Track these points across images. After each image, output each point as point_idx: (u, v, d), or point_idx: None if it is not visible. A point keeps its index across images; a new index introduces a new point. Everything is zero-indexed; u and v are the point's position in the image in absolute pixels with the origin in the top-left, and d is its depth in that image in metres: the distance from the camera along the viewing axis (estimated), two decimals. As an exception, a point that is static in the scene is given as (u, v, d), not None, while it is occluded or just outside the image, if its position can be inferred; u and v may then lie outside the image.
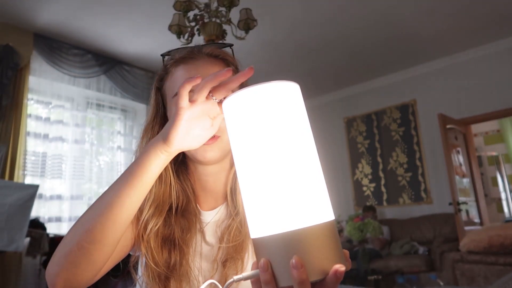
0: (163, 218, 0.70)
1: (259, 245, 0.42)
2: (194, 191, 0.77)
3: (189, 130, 0.55)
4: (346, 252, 0.44)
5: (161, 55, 0.77)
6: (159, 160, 0.56)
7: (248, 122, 0.43)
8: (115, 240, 0.58)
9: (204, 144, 0.65)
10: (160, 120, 0.75)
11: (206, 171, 0.74)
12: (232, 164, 0.75)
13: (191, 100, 0.52)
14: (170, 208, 0.72)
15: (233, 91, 0.48)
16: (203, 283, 0.70)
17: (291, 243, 0.39)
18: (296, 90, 0.46)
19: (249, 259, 0.71)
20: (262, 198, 0.42)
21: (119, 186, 0.56)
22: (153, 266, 0.67)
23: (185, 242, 0.71)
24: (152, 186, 0.70)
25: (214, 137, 0.67)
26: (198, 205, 0.76)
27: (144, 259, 0.69)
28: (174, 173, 0.74)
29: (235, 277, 0.43)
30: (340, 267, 0.39)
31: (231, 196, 0.73)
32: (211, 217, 0.75)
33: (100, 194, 0.59)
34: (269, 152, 0.42)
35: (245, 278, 0.43)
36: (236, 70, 0.75)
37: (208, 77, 0.51)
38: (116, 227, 0.56)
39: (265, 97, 0.43)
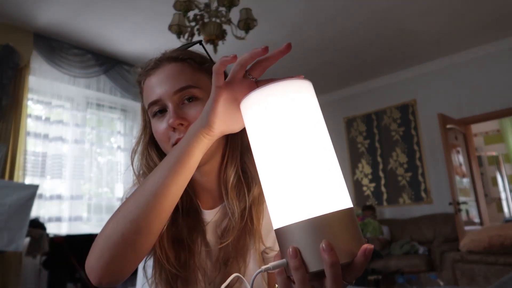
0: (170, 218, 0.69)
1: (285, 233, 0.43)
2: (195, 191, 0.77)
3: (229, 112, 0.54)
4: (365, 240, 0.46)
5: (136, 78, 0.77)
6: (202, 144, 0.56)
7: (267, 119, 0.46)
8: (159, 229, 0.57)
9: None
10: (149, 132, 0.76)
11: (199, 171, 0.74)
12: (222, 163, 0.74)
13: (228, 80, 0.52)
14: (177, 209, 0.71)
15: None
16: (205, 282, 0.70)
17: (319, 228, 0.41)
18: (309, 86, 0.49)
19: (251, 258, 0.71)
20: (286, 188, 0.43)
21: (163, 173, 0.55)
22: (167, 265, 0.67)
23: (192, 241, 0.71)
24: None
25: None
26: (199, 204, 0.76)
27: (154, 259, 0.69)
28: None
29: (263, 267, 0.43)
30: (369, 246, 0.41)
31: (226, 196, 0.72)
32: (211, 217, 0.75)
33: (141, 185, 0.57)
34: (295, 144, 0.44)
35: (273, 268, 0.44)
36: (202, 66, 0.73)
37: (243, 55, 0.50)
38: (162, 215, 0.56)
39: (281, 95, 0.46)
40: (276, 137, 0.45)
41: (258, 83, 0.54)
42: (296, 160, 0.44)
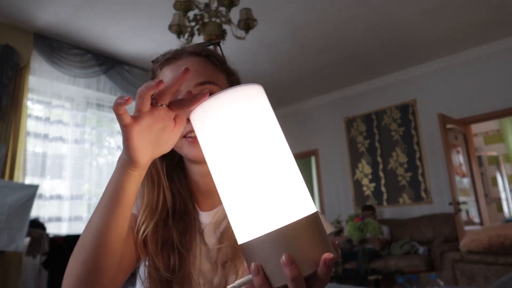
0: (159, 221, 0.69)
1: (247, 249, 0.42)
2: (192, 192, 0.76)
3: (150, 140, 0.52)
4: (334, 241, 0.44)
5: (152, 61, 0.77)
6: (133, 177, 0.55)
7: (218, 130, 0.43)
8: (114, 264, 0.57)
9: (192, 142, 0.66)
10: None
11: (198, 171, 0.74)
12: None
13: (134, 114, 0.50)
14: (168, 211, 0.71)
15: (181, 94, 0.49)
16: (203, 285, 0.70)
17: (278, 242, 0.39)
18: (260, 91, 0.46)
19: None
20: (242, 202, 0.42)
21: (101, 213, 0.55)
22: (153, 270, 0.67)
23: (184, 245, 0.70)
24: (144, 191, 0.71)
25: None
26: (197, 206, 0.76)
27: (144, 264, 0.69)
28: (166, 176, 0.73)
29: (228, 287, 0.42)
30: (328, 255, 0.39)
31: None
32: (210, 218, 0.74)
33: (91, 215, 0.58)
34: (243, 155, 0.42)
35: (239, 286, 0.42)
36: (222, 66, 0.75)
37: (140, 89, 0.48)
38: (110, 252, 0.56)
39: (231, 103, 0.43)
40: (227, 149, 0.43)
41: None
42: (248, 171, 0.41)
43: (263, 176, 0.41)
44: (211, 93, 0.66)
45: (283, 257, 0.38)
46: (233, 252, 0.69)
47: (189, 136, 0.67)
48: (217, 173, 0.45)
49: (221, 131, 0.43)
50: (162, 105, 0.49)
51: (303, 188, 0.44)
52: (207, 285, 0.70)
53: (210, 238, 0.73)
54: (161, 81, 0.46)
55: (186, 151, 0.68)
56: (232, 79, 0.78)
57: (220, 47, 0.79)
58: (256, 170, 0.41)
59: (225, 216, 0.73)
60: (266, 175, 0.41)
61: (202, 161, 0.67)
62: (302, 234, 0.40)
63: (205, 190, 0.75)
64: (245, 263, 0.69)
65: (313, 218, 0.42)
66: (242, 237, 0.42)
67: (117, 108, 0.47)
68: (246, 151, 0.42)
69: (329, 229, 0.73)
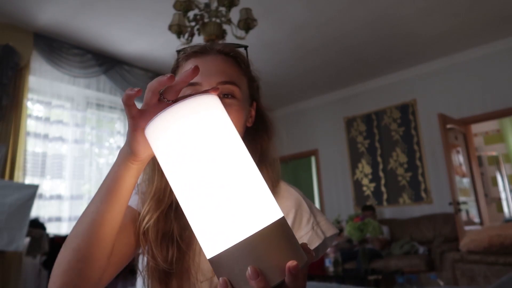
0: (162, 212, 0.69)
1: (214, 264, 0.41)
2: None
3: None
4: (304, 244, 0.44)
5: (176, 50, 0.77)
6: (132, 170, 0.56)
7: (173, 143, 0.42)
8: (104, 255, 0.58)
9: None
10: None
11: None
12: None
13: (142, 108, 0.51)
14: (171, 204, 0.71)
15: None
16: (201, 282, 0.70)
17: (243, 254, 0.38)
18: (214, 101, 0.46)
19: None
20: (204, 216, 0.41)
21: (97, 203, 0.56)
22: (151, 260, 0.67)
23: (184, 239, 0.70)
24: (154, 179, 0.70)
25: None
26: None
27: (143, 253, 0.69)
28: None
29: None
30: (291, 263, 0.39)
31: None
32: None
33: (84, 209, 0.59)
34: (200, 169, 0.41)
35: None
36: (246, 70, 0.76)
37: (151, 82, 0.49)
38: (102, 243, 0.57)
39: (185, 115, 0.42)
40: (184, 164, 0.42)
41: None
42: (207, 185, 0.40)
43: (221, 188, 0.40)
44: (233, 95, 0.68)
45: (249, 269, 0.38)
46: None
47: None
48: (178, 189, 0.43)
49: (176, 148, 0.42)
50: (169, 101, 0.50)
51: (264, 195, 0.43)
52: (206, 283, 0.70)
53: None
54: (172, 76, 0.46)
55: None
56: (253, 86, 0.78)
57: (247, 52, 0.79)
58: (213, 183, 0.40)
59: None
60: (224, 187, 0.40)
61: None
62: (266, 243, 0.39)
63: None
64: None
65: (277, 225, 0.41)
66: (209, 252, 0.41)
67: (127, 99, 0.48)
68: (202, 164, 0.41)
69: (331, 230, 0.73)
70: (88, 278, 0.57)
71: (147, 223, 0.67)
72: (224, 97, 0.68)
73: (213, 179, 0.40)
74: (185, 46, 0.76)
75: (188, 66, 0.72)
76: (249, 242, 0.39)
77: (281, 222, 0.42)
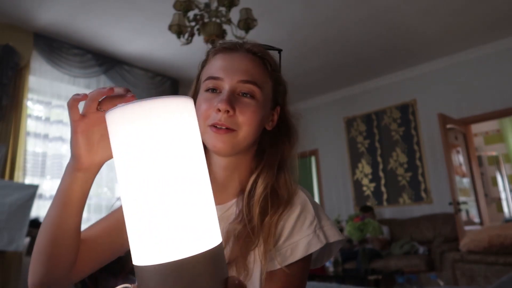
0: None
1: (138, 273, 0.39)
2: None
3: (94, 142, 0.56)
4: (233, 278, 0.41)
5: (209, 43, 0.81)
6: (78, 179, 0.58)
7: (129, 138, 0.40)
8: (67, 252, 0.62)
9: (216, 133, 0.66)
10: None
11: (218, 162, 0.73)
12: (251, 165, 0.74)
13: (82, 113, 0.54)
14: None
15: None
16: None
17: (169, 274, 0.37)
18: (187, 106, 0.43)
19: (255, 263, 0.68)
20: (141, 223, 0.39)
21: (52, 210, 0.60)
22: None
23: None
24: None
25: (228, 130, 0.66)
26: None
27: None
28: None
29: None
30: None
31: (247, 200, 0.70)
32: (220, 212, 0.72)
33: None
34: (150, 172, 0.39)
35: None
36: (273, 73, 0.75)
37: (92, 91, 0.53)
38: (60, 241, 0.61)
39: (150, 113, 0.39)
40: (137, 160, 0.39)
41: None
42: (152, 193, 0.38)
43: (166, 200, 0.38)
44: (252, 95, 0.68)
45: None
46: (239, 254, 0.67)
47: (215, 126, 0.67)
48: (124, 182, 0.41)
49: (132, 141, 0.40)
50: (103, 110, 0.54)
51: (209, 216, 0.41)
52: None
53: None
54: (111, 88, 0.51)
55: (209, 140, 0.68)
56: (279, 89, 0.78)
57: (280, 55, 0.78)
58: (158, 194, 0.38)
59: (236, 215, 0.71)
60: (170, 200, 0.38)
61: (224, 154, 0.70)
62: (196, 269, 0.37)
63: (221, 183, 0.74)
64: (249, 266, 0.68)
65: (212, 253, 0.39)
66: (137, 258, 0.40)
67: (72, 102, 0.52)
68: (155, 170, 0.38)
69: (336, 236, 0.71)
70: (56, 268, 0.62)
71: None
72: (243, 96, 0.69)
73: (161, 188, 0.38)
74: (218, 42, 0.77)
75: (216, 61, 0.72)
76: (179, 264, 0.37)
77: (216, 250, 0.40)
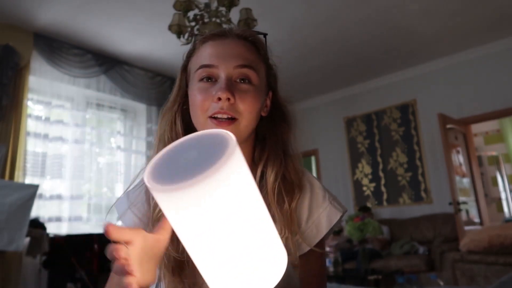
0: None
1: None
2: None
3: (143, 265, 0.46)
4: None
5: (195, 34, 0.77)
6: None
7: (194, 218, 0.37)
8: None
9: (218, 126, 0.63)
10: (181, 100, 0.73)
11: None
12: (252, 153, 0.72)
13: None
14: None
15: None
16: None
17: None
18: (238, 159, 0.37)
19: None
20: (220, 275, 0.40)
21: None
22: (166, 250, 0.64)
23: None
24: None
25: (230, 120, 0.64)
26: None
27: None
28: None
29: None
30: None
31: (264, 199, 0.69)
32: None
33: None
34: (217, 237, 0.38)
35: None
36: (265, 57, 0.74)
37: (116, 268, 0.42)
38: None
39: (205, 197, 0.36)
40: (204, 233, 0.38)
41: None
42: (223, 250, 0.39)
43: (239, 250, 0.39)
44: (249, 80, 0.66)
45: None
46: None
47: (216, 118, 0.64)
48: (191, 248, 0.40)
49: (193, 221, 0.37)
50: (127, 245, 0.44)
51: (279, 255, 0.44)
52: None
53: None
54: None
55: None
56: (271, 73, 0.76)
57: (266, 39, 0.77)
58: (231, 248, 0.39)
59: None
60: (243, 249, 0.39)
61: None
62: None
63: None
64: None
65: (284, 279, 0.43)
66: None
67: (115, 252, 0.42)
68: (223, 232, 0.38)
69: (342, 205, 0.74)
70: None
71: (159, 212, 0.65)
72: (240, 82, 0.66)
73: (233, 242, 0.39)
74: (204, 32, 0.74)
75: (206, 48, 0.69)
76: None
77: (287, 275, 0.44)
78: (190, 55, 0.74)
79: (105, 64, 4.28)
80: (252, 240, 0.40)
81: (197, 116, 0.67)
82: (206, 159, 0.36)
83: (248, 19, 2.73)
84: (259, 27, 3.00)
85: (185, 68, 0.75)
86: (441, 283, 3.08)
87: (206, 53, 0.68)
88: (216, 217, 0.37)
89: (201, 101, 0.65)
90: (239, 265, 0.39)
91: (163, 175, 0.37)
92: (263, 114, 0.73)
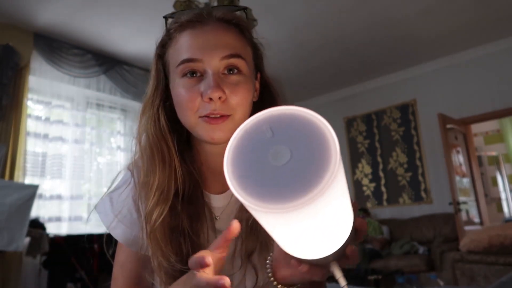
0: (169, 206, 0.62)
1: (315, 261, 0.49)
2: (201, 174, 0.68)
3: None
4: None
5: (164, 17, 0.68)
6: None
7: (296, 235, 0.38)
8: None
9: (211, 124, 0.59)
10: (161, 93, 0.66)
11: (210, 150, 0.67)
12: None
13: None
14: (176, 194, 0.63)
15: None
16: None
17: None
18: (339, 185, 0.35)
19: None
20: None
21: None
22: (164, 261, 0.59)
23: (195, 231, 0.64)
24: (156, 171, 0.63)
25: (223, 117, 0.60)
26: (205, 190, 0.68)
27: (154, 260, 0.61)
28: (179, 155, 0.65)
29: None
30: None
31: None
32: (222, 202, 0.68)
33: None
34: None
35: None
36: (250, 38, 0.68)
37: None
38: None
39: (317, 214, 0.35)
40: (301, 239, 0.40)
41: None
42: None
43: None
44: (238, 70, 0.61)
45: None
46: (256, 242, 0.63)
47: (207, 116, 0.59)
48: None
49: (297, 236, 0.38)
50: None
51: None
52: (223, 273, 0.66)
53: (226, 225, 0.67)
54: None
55: (203, 132, 0.60)
56: (258, 54, 0.71)
57: (246, 14, 0.70)
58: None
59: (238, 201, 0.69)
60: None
61: (224, 143, 0.57)
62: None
63: (219, 171, 0.64)
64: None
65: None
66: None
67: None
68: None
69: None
70: None
71: (156, 220, 0.60)
72: (229, 73, 0.61)
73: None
74: (174, 12, 0.67)
75: (184, 38, 0.62)
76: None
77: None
78: (164, 44, 0.68)
79: (105, 64, 4.28)
80: (341, 224, 0.41)
81: (186, 116, 0.62)
82: (306, 167, 0.30)
83: (248, 19, 2.73)
84: (259, 27, 3.00)
85: (160, 57, 0.68)
86: (441, 283, 3.08)
87: (186, 45, 0.61)
88: (317, 227, 0.34)
89: (189, 101, 0.60)
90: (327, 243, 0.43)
91: (253, 183, 0.31)
92: (254, 99, 0.68)
